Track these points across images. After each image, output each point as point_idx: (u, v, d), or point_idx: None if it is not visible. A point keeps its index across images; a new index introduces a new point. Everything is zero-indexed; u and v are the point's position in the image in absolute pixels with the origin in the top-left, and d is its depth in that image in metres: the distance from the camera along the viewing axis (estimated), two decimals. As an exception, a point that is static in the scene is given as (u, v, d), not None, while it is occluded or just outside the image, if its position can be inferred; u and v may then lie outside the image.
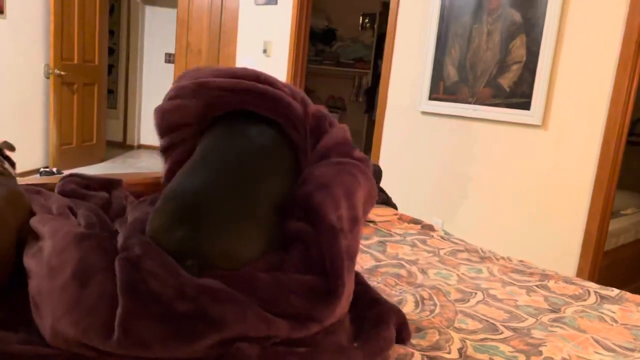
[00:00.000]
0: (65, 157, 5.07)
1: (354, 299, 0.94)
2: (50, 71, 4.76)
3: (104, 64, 5.67)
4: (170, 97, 1.21)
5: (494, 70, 2.97)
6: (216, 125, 1.15)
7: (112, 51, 6.64)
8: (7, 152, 1.22)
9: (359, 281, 1.05)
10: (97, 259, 0.86)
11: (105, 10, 5.49)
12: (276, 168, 1.05)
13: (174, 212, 0.92)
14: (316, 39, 5.86)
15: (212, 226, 0.89)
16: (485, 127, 3.05)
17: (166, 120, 1.22)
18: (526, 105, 2.85)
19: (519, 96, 2.88)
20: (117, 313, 0.76)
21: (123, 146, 6.96)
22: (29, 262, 0.91)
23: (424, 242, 1.68)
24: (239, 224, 0.92)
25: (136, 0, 6.61)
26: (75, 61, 5.09)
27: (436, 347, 0.99)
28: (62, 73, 4.85)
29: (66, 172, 1.58)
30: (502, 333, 1.09)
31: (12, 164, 1.21)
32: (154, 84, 6.83)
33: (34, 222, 0.99)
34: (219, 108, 1.17)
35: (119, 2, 6.68)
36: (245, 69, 1.21)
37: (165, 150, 1.28)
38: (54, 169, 4.70)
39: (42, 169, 4.64)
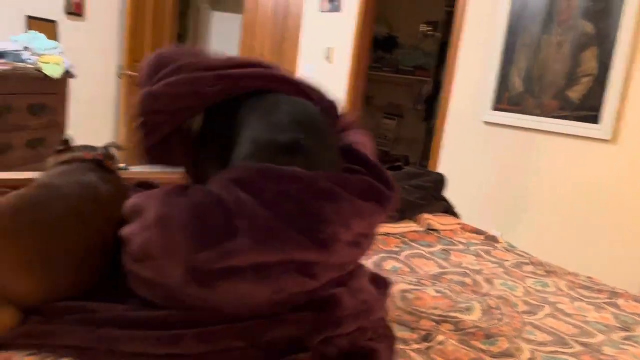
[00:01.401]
0: (132, 154, 5.30)
1: None
2: (123, 72, 5.00)
3: (172, 66, 5.89)
4: (169, 84, 1.14)
5: (562, 82, 2.91)
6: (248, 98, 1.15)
7: (179, 54, 6.89)
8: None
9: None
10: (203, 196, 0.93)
11: (175, 15, 5.71)
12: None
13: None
14: (377, 46, 5.88)
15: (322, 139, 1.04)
16: (550, 139, 2.99)
17: (160, 104, 1.16)
18: (595, 119, 2.78)
19: (587, 109, 2.81)
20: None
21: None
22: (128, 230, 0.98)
23: (488, 252, 1.68)
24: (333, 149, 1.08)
25: (205, 5, 6.85)
26: (146, 63, 5.32)
27: (507, 354, 1.00)
28: (134, 74, 5.08)
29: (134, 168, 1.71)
30: (572, 347, 1.09)
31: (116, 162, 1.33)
32: (217, 86, 7.03)
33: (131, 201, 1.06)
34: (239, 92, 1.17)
35: (188, 8, 6.94)
36: (248, 58, 1.25)
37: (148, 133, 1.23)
38: (122, 165, 4.93)
39: (111, 165, 4.87)
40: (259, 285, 0.86)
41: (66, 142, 1.27)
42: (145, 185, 1.49)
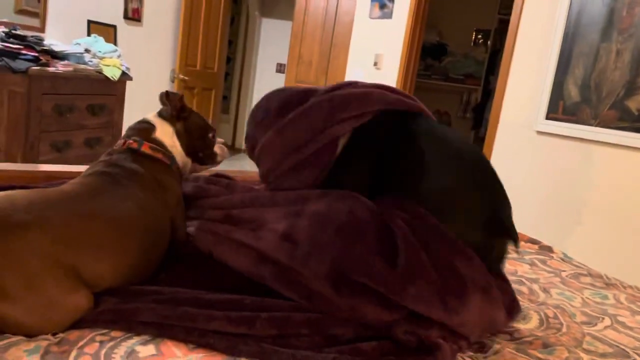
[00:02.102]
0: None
1: None
2: (175, 76, 5.15)
3: (222, 71, 6.03)
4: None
5: (621, 92, 2.82)
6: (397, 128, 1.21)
7: (229, 60, 7.04)
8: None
9: None
10: (364, 214, 1.01)
11: (227, 22, 5.85)
12: None
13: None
14: (426, 54, 5.85)
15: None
16: (607, 151, 2.90)
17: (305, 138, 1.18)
18: (656, 131, 2.68)
19: (648, 120, 2.71)
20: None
21: (232, 149, 7.33)
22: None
23: (543, 262, 1.64)
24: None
25: (254, 12, 6.97)
26: (198, 67, 5.46)
27: (567, 364, 0.97)
28: (186, 78, 5.22)
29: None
30: (634, 360, 1.05)
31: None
32: (264, 91, 7.10)
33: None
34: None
35: (239, 14, 7.09)
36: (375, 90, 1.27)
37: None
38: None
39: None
40: (377, 310, 0.91)
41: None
42: (221, 176, 1.53)
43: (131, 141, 1.19)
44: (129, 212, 1.01)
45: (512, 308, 1.05)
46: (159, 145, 1.23)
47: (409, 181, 1.11)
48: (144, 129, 1.25)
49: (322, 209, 1.03)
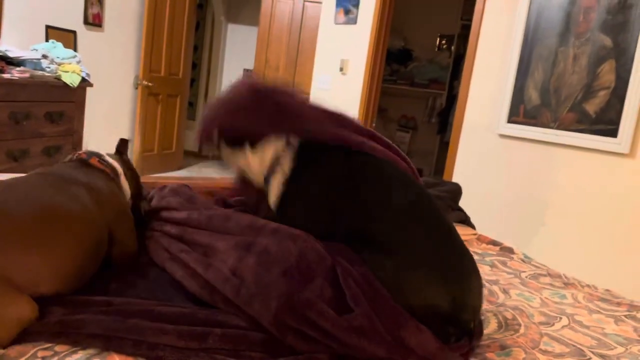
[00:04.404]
0: (146, 163, 5.34)
1: None
2: (139, 82, 5.06)
3: (187, 77, 5.96)
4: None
5: (579, 95, 2.89)
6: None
7: (194, 65, 6.96)
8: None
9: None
10: (314, 258, 0.98)
11: (192, 27, 5.78)
12: None
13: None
14: (391, 59, 5.90)
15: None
16: (566, 153, 2.96)
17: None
18: (613, 133, 2.75)
19: (605, 123, 2.78)
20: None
21: (198, 156, 7.24)
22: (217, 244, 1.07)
23: (504, 263, 1.66)
24: None
25: (220, 17, 6.92)
26: (162, 74, 5.38)
27: (524, 365, 0.98)
28: (150, 84, 5.14)
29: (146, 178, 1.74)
30: (590, 359, 1.06)
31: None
32: (231, 97, 7.08)
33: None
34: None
35: (204, 20, 7.02)
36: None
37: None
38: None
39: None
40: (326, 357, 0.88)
41: (117, 148, 1.33)
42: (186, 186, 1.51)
43: (82, 153, 1.20)
44: (63, 206, 0.95)
45: None
46: (108, 164, 1.23)
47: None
48: (98, 153, 1.26)
49: (271, 247, 1.00)
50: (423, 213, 1.06)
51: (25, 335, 0.82)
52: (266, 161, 1.25)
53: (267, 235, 1.04)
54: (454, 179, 3.50)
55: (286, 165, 1.21)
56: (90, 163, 1.18)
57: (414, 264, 0.98)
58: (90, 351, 0.82)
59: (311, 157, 1.20)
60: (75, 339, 0.83)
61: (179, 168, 6.07)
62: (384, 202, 1.06)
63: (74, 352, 0.82)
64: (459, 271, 1.00)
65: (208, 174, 6.19)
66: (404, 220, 1.03)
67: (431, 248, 1.01)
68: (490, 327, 1.17)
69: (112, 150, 1.37)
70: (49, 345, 0.82)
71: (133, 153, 5.26)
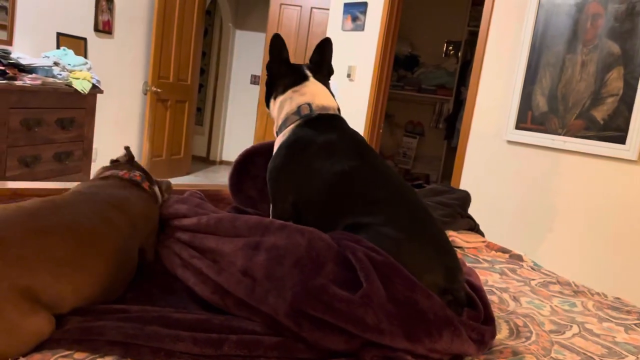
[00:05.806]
0: (155, 168, 5.38)
1: None
2: (148, 88, 5.10)
3: (196, 83, 6.01)
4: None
5: (587, 102, 2.89)
6: None
7: (202, 71, 7.01)
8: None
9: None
10: (322, 245, 1.02)
11: (200, 33, 5.83)
12: None
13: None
14: (398, 65, 5.92)
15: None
16: (574, 159, 2.96)
17: None
18: (621, 139, 2.75)
19: (613, 129, 2.78)
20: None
21: (206, 161, 7.28)
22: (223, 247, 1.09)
23: (513, 271, 1.66)
24: None
25: (228, 24, 6.97)
26: (171, 80, 5.43)
27: (536, 373, 0.98)
28: (159, 90, 5.18)
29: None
30: (601, 367, 1.07)
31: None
32: (239, 103, 7.13)
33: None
34: None
35: (212, 26, 7.07)
36: None
37: None
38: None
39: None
40: (341, 341, 0.90)
41: (127, 156, 1.33)
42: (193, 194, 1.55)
43: (125, 172, 1.24)
44: (93, 228, 0.97)
45: (481, 343, 1.03)
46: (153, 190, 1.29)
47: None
48: (146, 174, 1.33)
49: (280, 242, 1.02)
50: (402, 198, 1.20)
51: (45, 342, 0.84)
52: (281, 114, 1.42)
53: (274, 232, 1.07)
54: (462, 185, 3.50)
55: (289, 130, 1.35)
56: (143, 187, 1.24)
57: (408, 238, 1.09)
58: (110, 358, 0.84)
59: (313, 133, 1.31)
60: (95, 346, 0.84)
61: (187, 173, 6.11)
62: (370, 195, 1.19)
63: (93, 359, 0.83)
64: (444, 243, 1.14)
65: (216, 179, 6.23)
66: (389, 205, 1.16)
67: (419, 224, 1.14)
68: (502, 333, 1.17)
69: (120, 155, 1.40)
70: (69, 352, 0.84)
71: (143, 158, 5.30)
